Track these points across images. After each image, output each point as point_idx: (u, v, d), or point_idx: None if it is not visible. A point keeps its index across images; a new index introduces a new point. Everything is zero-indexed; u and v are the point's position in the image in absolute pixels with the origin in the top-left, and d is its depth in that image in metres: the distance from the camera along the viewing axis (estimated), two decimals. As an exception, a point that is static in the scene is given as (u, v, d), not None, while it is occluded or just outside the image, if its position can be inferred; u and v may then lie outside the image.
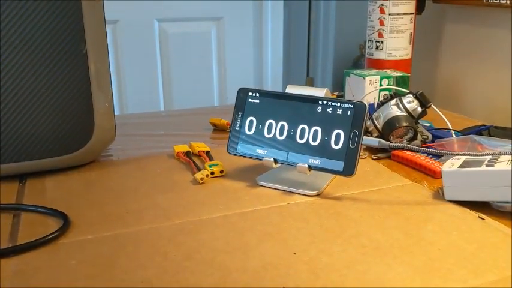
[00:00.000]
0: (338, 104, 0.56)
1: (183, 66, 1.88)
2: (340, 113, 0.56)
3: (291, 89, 0.61)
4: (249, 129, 0.61)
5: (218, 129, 0.84)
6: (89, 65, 0.62)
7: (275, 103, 0.60)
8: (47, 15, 0.58)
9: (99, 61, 0.63)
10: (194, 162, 0.66)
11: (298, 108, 0.58)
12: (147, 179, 0.63)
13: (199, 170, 0.63)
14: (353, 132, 0.55)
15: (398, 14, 0.93)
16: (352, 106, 0.55)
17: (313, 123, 0.57)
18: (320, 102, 0.57)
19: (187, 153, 0.69)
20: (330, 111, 0.57)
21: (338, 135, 0.56)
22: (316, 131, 0.57)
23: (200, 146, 0.70)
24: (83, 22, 0.60)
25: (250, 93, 0.62)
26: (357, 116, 0.55)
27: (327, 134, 0.56)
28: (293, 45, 2.47)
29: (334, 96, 1.04)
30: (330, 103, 0.57)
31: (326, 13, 3.67)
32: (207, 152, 0.69)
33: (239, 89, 0.62)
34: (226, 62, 1.97)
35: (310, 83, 3.90)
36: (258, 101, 0.61)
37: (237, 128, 0.62)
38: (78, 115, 0.62)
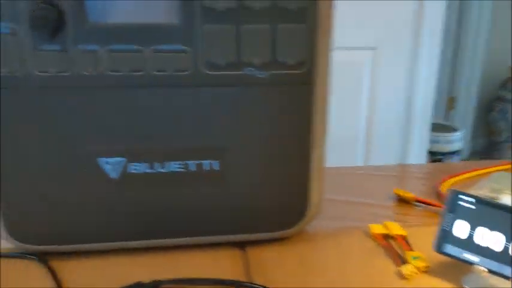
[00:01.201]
0: None
1: (335, 95, 1.92)
2: None
3: (507, 199, 0.61)
4: (459, 232, 0.63)
5: (401, 199, 0.86)
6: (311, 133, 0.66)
7: (490, 212, 0.61)
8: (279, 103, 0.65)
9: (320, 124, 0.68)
10: (397, 252, 0.69)
11: (518, 223, 0.59)
12: (349, 260, 0.67)
13: (401, 260, 0.66)
14: None
15: None
16: None
17: (535, 242, 0.57)
18: (545, 223, 0.57)
19: (385, 237, 0.72)
20: (557, 236, 0.56)
21: None
22: (538, 252, 0.57)
23: (396, 229, 0.73)
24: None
25: (463, 197, 0.63)
26: None
27: (550, 257, 0.56)
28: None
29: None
30: (557, 226, 0.56)
31: (477, 29, 3.43)
32: (404, 237, 0.72)
33: (452, 190, 0.64)
34: (378, 88, 1.98)
35: (450, 103, 3.68)
36: (472, 206, 0.62)
37: (447, 229, 0.64)
38: (294, 187, 0.68)
